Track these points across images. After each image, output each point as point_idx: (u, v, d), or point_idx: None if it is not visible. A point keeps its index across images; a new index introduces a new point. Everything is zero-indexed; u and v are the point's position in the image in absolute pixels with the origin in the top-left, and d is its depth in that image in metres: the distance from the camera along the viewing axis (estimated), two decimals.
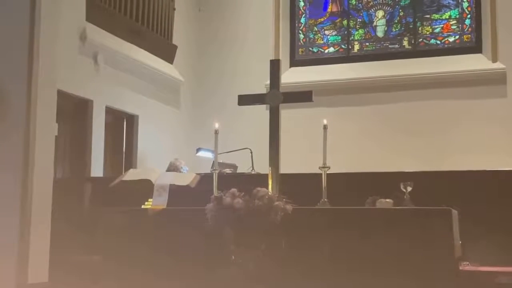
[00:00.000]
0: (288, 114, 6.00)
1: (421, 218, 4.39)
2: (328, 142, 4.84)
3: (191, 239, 4.68)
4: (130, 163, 8.32)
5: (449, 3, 9.58)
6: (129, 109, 8.36)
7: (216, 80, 9.91)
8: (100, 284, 4.85)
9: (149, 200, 5.25)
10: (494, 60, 8.97)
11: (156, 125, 8.81)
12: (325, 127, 4.88)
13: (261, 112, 5.89)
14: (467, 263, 4.75)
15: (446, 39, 9.54)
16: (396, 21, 9.80)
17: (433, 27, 9.61)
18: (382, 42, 9.79)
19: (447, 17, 9.57)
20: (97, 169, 7.52)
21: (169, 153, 8.09)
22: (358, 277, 4.32)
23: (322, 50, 10.06)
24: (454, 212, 4.45)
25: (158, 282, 4.66)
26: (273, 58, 8.62)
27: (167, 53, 9.21)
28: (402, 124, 9.07)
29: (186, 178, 5.53)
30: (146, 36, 8.64)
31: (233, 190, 4.56)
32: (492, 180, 5.45)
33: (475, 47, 9.29)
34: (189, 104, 9.82)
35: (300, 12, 10.19)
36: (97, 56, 7.59)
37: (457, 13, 9.53)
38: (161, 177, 5.42)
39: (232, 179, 6.02)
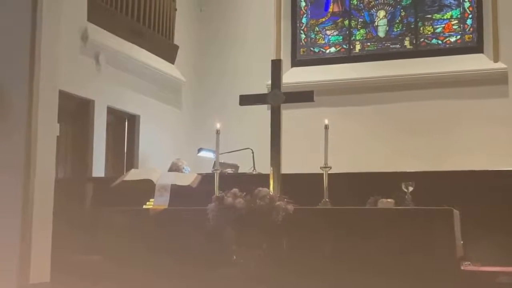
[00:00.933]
0: (290, 114, 6.01)
1: (423, 218, 4.39)
2: (330, 142, 4.84)
3: (193, 239, 4.68)
4: (132, 163, 8.33)
5: (450, 3, 9.57)
6: (130, 109, 8.36)
7: (218, 80, 9.91)
8: (101, 284, 4.85)
9: (151, 200, 5.25)
10: (496, 60, 8.96)
11: (157, 125, 8.82)
12: (326, 127, 4.88)
13: (263, 112, 5.89)
14: (469, 263, 4.75)
15: (447, 39, 9.53)
16: (397, 21, 9.80)
17: (435, 27, 9.61)
18: (384, 42, 9.79)
19: (449, 17, 9.56)
20: (98, 169, 7.52)
21: (170, 153, 8.10)
22: (360, 277, 4.32)
23: (324, 50, 10.06)
24: (456, 212, 4.45)
25: (159, 282, 4.66)
26: (275, 58, 8.61)
27: (169, 53, 9.22)
28: (403, 124, 9.07)
29: (187, 178, 5.53)
30: (148, 36, 8.64)
31: (235, 190, 4.56)
32: (493, 180, 5.44)
33: (476, 47, 9.28)
34: (190, 104, 9.82)
35: (302, 12, 10.19)
36: (99, 56, 7.60)
37: (458, 13, 9.52)
38: (162, 177, 5.42)
39: (234, 179, 6.02)
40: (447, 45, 9.50)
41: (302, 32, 10.15)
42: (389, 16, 9.83)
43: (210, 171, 5.17)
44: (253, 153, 6.84)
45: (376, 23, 9.87)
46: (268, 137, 4.99)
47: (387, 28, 9.80)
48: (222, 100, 9.33)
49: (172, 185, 5.25)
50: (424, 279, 4.22)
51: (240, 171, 6.93)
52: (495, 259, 4.77)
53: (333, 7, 10.10)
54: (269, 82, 5.17)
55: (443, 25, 9.57)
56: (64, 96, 6.33)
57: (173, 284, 4.64)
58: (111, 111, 7.93)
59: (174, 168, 6.89)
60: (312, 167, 5.18)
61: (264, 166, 5.48)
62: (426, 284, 4.22)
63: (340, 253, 4.45)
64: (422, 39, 9.63)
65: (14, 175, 4.74)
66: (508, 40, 8.86)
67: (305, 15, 10.18)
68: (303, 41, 10.14)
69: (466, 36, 9.45)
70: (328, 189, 4.79)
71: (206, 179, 5.36)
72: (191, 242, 4.68)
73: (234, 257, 4.49)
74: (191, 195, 5.24)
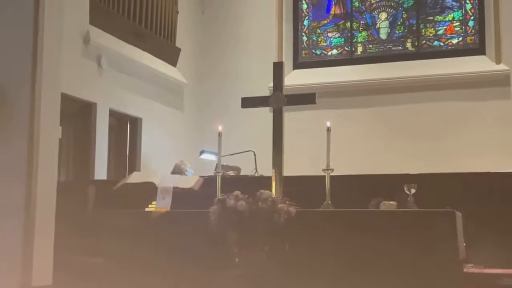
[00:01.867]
0: (292, 116, 6.01)
1: (425, 220, 4.38)
2: (332, 144, 4.84)
3: (195, 242, 4.68)
4: (134, 165, 8.33)
5: (452, 5, 9.58)
6: (132, 112, 8.37)
7: (220, 82, 9.92)
8: (103, 286, 4.85)
9: (153, 202, 5.25)
10: (498, 61, 8.96)
11: (159, 127, 8.83)
12: (328, 129, 4.88)
13: (265, 114, 5.90)
14: (472, 265, 4.74)
15: (449, 41, 9.53)
16: (399, 23, 9.80)
17: (437, 29, 9.61)
18: (385, 44, 9.80)
19: (451, 19, 9.57)
20: (101, 172, 7.53)
21: (172, 156, 8.10)
22: (362, 280, 4.31)
23: (325, 52, 10.07)
24: (458, 214, 4.44)
25: (161, 284, 4.66)
26: (276, 61, 8.63)
27: (171, 56, 9.23)
28: (405, 126, 9.07)
29: (189, 180, 5.52)
30: (150, 39, 8.65)
31: (237, 192, 4.56)
32: (496, 181, 5.44)
33: (478, 49, 9.28)
34: (192, 106, 9.83)
35: (303, 15, 10.20)
36: (101, 59, 7.61)
37: (460, 15, 9.52)
38: (164, 180, 5.42)
39: (236, 182, 6.03)
40: (449, 47, 9.50)
41: (304, 34, 10.16)
42: (391, 18, 9.83)
43: (212, 174, 5.16)
44: (255, 155, 6.83)
45: (378, 25, 9.88)
46: (270, 140, 4.99)
47: (389, 30, 9.80)
48: (224, 102, 9.33)
49: (174, 187, 5.25)
50: (426, 281, 4.21)
51: (242, 173, 6.93)
52: (498, 261, 4.77)
53: (334, 9, 10.11)
54: (271, 84, 5.17)
55: (445, 27, 9.57)
56: (66, 99, 6.34)
57: (175, 286, 4.63)
58: (113, 114, 7.94)
59: (177, 170, 6.89)
60: (314, 169, 5.18)
61: (266, 169, 5.48)
62: (428, 286, 4.21)
63: (343, 255, 4.44)
64: (424, 41, 9.63)
65: (16, 178, 4.74)
66: (510, 41, 8.86)
67: (306, 18, 10.19)
68: (305, 44, 10.15)
69: (468, 38, 9.45)
70: (331, 191, 4.79)
71: (208, 181, 5.36)
72: (193, 245, 4.68)
73: (236, 259, 4.49)
74: (193, 198, 5.24)
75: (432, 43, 9.60)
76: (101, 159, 7.59)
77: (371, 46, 9.87)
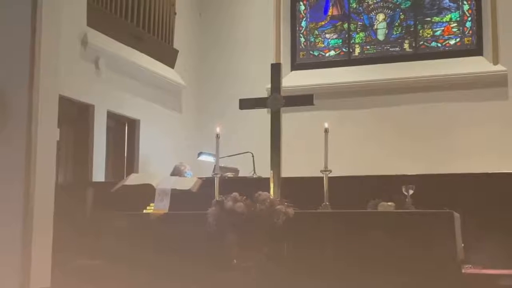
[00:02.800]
0: (290, 118, 6.01)
1: (423, 221, 4.39)
2: (330, 146, 4.84)
3: (193, 244, 4.68)
4: (132, 167, 8.32)
5: (449, 5, 9.58)
6: (130, 113, 8.36)
7: (217, 84, 9.92)
8: None
9: (151, 204, 5.25)
10: (495, 62, 8.97)
11: (157, 129, 8.82)
12: (326, 130, 4.88)
13: (263, 116, 5.90)
14: (470, 266, 4.75)
15: (447, 41, 9.54)
16: (396, 24, 9.81)
17: (434, 29, 9.61)
18: (383, 45, 9.80)
19: (448, 19, 9.57)
20: (99, 174, 7.52)
21: (171, 158, 8.10)
22: (360, 281, 4.32)
23: (323, 54, 10.07)
24: (456, 215, 4.44)
25: (159, 286, 4.65)
26: (274, 62, 8.63)
27: (168, 57, 9.22)
28: (403, 127, 9.07)
29: (187, 182, 5.53)
30: (147, 41, 8.65)
31: (235, 194, 4.56)
32: (494, 182, 5.45)
33: (476, 50, 9.29)
34: (190, 108, 9.83)
35: (301, 16, 10.20)
36: (99, 61, 7.60)
37: (457, 16, 9.53)
38: (162, 182, 5.42)
39: (234, 183, 6.04)
40: (447, 48, 9.51)
41: (301, 35, 10.16)
42: (389, 19, 9.84)
43: (211, 175, 5.17)
44: (253, 156, 6.84)
45: (375, 26, 9.88)
46: (268, 141, 4.99)
47: (387, 31, 9.81)
48: (222, 104, 9.33)
49: (172, 189, 5.25)
50: (425, 282, 4.21)
51: (240, 175, 6.94)
52: (496, 262, 4.78)
53: (332, 11, 10.11)
54: (269, 85, 5.17)
55: (443, 28, 9.58)
56: (64, 101, 6.33)
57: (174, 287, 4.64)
58: (111, 116, 7.93)
59: (177, 172, 6.91)
60: (312, 170, 5.19)
61: (264, 170, 5.48)
62: (427, 287, 4.22)
63: (341, 256, 4.44)
64: (422, 42, 9.64)
65: (14, 180, 4.74)
66: (507, 42, 8.87)
67: (304, 19, 10.20)
68: (302, 45, 10.15)
69: (465, 38, 9.46)
70: (329, 192, 4.79)
71: (206, 183, 5.36)
72: (192, 247, 4.68)
73: (235, 261, 4.49)
74: (191, 200, 5.24)
75: (430, 44, 9.61)
76: (99, 161, 7.58)
77: (368, 47, 9.87)
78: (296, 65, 10.00)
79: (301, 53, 10.13)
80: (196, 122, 9.77)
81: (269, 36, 9.91)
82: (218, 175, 4.95)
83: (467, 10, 9.49)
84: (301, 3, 10.20)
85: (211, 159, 7.62)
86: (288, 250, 4.52)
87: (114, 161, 8.14)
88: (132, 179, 5.73)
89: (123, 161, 8.33)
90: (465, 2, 9.49)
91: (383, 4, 9.88)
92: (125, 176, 7.85)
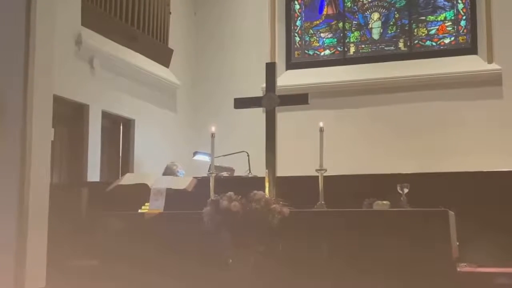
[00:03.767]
0: (285, 117, 6.02)
1: (418, 220, 4.39)
2: (325, 145, 4.84)
3: (188, 243, 4.68)
4: (127, 167, 8.32)
5: (444, 4, 9.60)
6: (125, 113, 8.35)
7: (213, 83, 9.92)
8: None
9: (146, 204, 5.24)
10: (490, 61, 8.99)
11: (152, 129, 8.81)
12: (321, 129, 4.88)
13: (258, 115, 5.90)
14: (465, 264, 4.76)
15: (441, 40, 9.55)
16: (391, 23, 9.82)
17: (429, 28, 9.63)
18: (378, 44, 9.82)
19: (442, 18, 9.59)
20: (93, 173, 7.51)
21: (166, 157, 8.09)
22: (356, 279, 4.32)
23: (318, 53, 10.08)
24: (451, 214, 4.45)
25: (155, 285, 4.65)
26: (269, 61, 8.63)
27: (163, 57, 9.22)
28: (398, 125, 9.08)
29: (183, 182, 5.52)
30: (142, 40, 8.64)
31: (230, 193, 4.55)
32: (488, 181, 5.46)
33: (470, 49, 9.31)
34: (185, 107, 9.82)
35: (296, 15, 10.21)
36: (93, 60, 7.59)
37: (452, 15, 9.55)
38: (157, 181, 5.41)
39: (229, 182, 6.04)
40: (441, 47, 9.53)
41: (296, 34, 10.17)
42: (383, 18, 9.85)
43: (206, 175, 5.16)
44: (248, 156, 6.83)
45: (370, 25, 9.90)
46: (263, 140, 4.99)
47: (381, 30, 9.82)
48: (217, 103, 9.34)
49: (167, 189, 5.25)
50: (420, 280, 4.22)
51: (235, 174, 6.93)
52: (492, 260, 4.78)
53: (327, 10, 10.12)
54: (264, 85, 5.17)
55: (437, 27, 9.59)
56: (59, 101, 6.33)
57: (169, 287, 4.63)
58: (106, 116, 7.92)
59: (169, 172, 6.89)
60: (307, 169, 5.19)
61: (259, 169, 5.48)
62: (422, 285, 4.22)
63: (336, 255, 4.45)
64: (416, 41, 9.65)
65: (9, 180, 4.73)
66: (501, 41, 8.89)
67: (299, 18, 10.20)
68: (297, 44, 10.15)
69: (460, 37, 9.48)
70: (324, 191, 4.79)
71: (202, 182, 5.36)
72: (187, 246, 4.67)
73: (230, 260, 4.49)
74: (186, 199, 5.24)
75: (424, 43, 9.63)
76: (94, 160, 7.57)
77: (363, 46, 9.88)
78: (291, 64, 10.00)
79: (296, 52, 10.14)
80: (191, 121, 9.77)
81: (264, 35, 9.91)
82: (213, 175, 4.95)
83: (461, 9, 9.51)
84: (296, 2, 10.21)
85: (206, 158, 7.61)
86: (283, 249, 4.51)
87: (109, 161, 8.13)
88: (127, 179, 5.72)
89: (118, 161, 8.32)
90: (459, 1, 9.52)
91: (377, 3, 9.89)
92: (120, 175, 7.84)
